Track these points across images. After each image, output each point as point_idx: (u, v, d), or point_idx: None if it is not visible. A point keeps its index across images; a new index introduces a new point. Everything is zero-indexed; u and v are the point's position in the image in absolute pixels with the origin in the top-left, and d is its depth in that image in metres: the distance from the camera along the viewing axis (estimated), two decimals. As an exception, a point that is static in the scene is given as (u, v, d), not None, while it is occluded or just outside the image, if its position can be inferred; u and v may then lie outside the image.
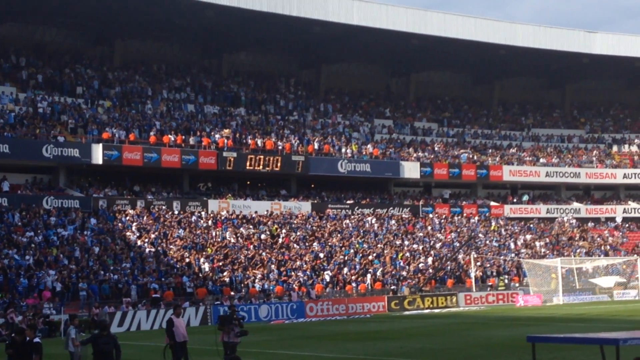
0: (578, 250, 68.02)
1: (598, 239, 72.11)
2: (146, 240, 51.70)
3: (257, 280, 50.90)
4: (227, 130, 62.78)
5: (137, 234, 52.21)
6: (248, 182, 64.30)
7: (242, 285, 50.43)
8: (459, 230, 66.55)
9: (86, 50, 66.94)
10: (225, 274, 50.66)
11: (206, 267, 50.79)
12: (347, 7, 65.67)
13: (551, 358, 23.54)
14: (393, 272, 57.04)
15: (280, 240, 57.12)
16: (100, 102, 60.42)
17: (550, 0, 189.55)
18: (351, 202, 66.09)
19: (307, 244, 57.65)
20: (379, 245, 60.51)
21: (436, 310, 52.25)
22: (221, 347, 23.33)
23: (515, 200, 74.72)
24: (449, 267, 60.32)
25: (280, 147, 62.95)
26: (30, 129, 53.98)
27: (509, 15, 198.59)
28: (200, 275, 49.97)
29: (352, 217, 63.78)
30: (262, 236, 56.83)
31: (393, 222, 64.96)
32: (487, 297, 56.59)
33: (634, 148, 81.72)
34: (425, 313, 50.77)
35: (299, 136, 66.13)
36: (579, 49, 74.77)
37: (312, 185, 67.14)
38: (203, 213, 57.36)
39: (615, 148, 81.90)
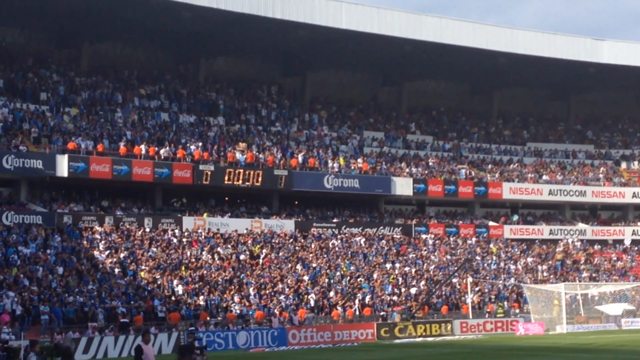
0: (583, 275, 68.22)
1: (605, 263, 72.30)
2: (115, 260, 51.53)
3: (235, 305, 50.80)
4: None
5: (105, 253, 52.04)
6: (226, 198, 64.23)
7: (219, 309, 50.32)
8: (454, 252, 66.63)
9: (51, 54, 66.82)
10: (200, 297, 50.54)
11: (180, 289, 50.66)
12: (335, 10, 65.89)
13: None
14: (383, 297, 57.04)
15: (260, 261, 57.05)
16: (66, 109, 60.31)
17: (555, 5, 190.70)
18: (338, 220, 66.09)
19: (290, 265, 57.61)
20: (367, 268, 60.50)
21: (429, 339, 52.27)
22: None
23: (508, 221, 74.79)
24: (443, 292, 60.34)
25: (261, 161, 62.95)
26: (-10, 137, 53.91)
27: (510, 21, 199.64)
28: (173, 298, 49.82)
29: (339, 237, 63.76)
30: (241, 257, 56.78)
31: (383, 242, 64.99)
32: (484, 325, 56.64)
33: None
34: (417, 341, 50.76)
35: (282, 149, 66.16)
36: (585, 57, 75.18)
37: (296, 202, 67.13)
38: (177, 231, 57.23)
39: (623, 165, 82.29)
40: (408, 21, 69.07)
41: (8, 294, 44.10)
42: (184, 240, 56.53)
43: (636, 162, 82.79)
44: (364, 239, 64.42)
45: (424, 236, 67.99)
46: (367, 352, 42.75)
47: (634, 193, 77.58)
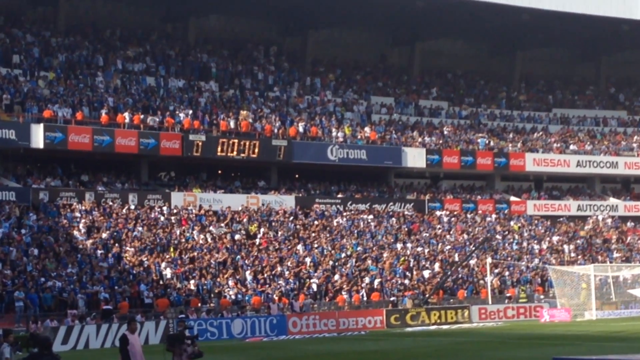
0: (615, 256, 68.31)
1: (639, 242, 72.36)
2: (96, 240, 51.61)
3: (229, 290, 50.95)
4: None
5: (86, 233, 52.14)
6: (219, 172, 64.26)
7: (212, 295, 50.47)
8: (472, 230, 66.72)
9: (24, 11, 66.68)
10: (191, 281, 50.69)
11: (168, 273, 50.80)
12: (339, -39, 65.80)
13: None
14: (393, 281, 57.17)
15: (257, 241, 57.17)
16: (41, 73, 60.23)
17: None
18: (343, 196, 66.15)
19: (290, 246, 57.72)
20: (376, 249, 60.62)
21: (444, 327, 52.41)
22: None
23: (531, 197, 74.74)
24: (460, 275, 60.49)
25: (258, 130, 62.93)
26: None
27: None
28: (161, 283, 49.97)
29: (344, 214, 63.82)
30: (236, 236, 56.87)
31: (393, 220, 65.06)
32: (505, 311, 56.79)
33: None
34: (431, 330, 50.93)
35: (280, 116, 66.11)
36: (617, 13, 74.92)
37: (296, 176, 67.17)
38: (165, 208, 57.30)
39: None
40: (421, -27, 68.99)
41: (-21, 279, 44.35)
42: (173, 218, 56.59)
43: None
44: (371, 217, 64.47)
45: (438, 213, 68.02)
46: (375, 342, 42.90)
47: (672, 164, 77.63)
